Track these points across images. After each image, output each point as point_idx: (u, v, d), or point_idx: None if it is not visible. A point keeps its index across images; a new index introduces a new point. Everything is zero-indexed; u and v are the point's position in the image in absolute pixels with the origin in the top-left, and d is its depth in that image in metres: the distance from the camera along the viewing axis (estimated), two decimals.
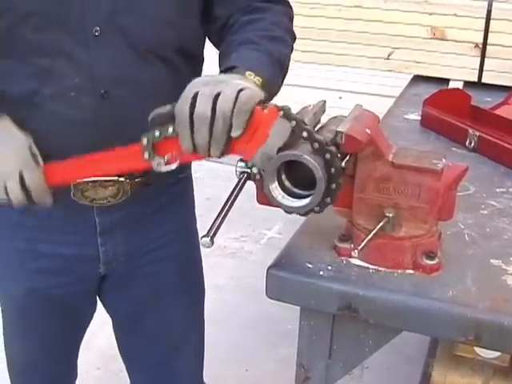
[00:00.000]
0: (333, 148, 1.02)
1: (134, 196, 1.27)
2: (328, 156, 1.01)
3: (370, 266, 1.12)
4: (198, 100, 1.01)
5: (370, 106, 1.16)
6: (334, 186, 1.02)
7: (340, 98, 4.21)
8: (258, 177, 1.05)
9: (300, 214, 1.06)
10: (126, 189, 1.25)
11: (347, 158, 1.10)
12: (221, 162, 1.44)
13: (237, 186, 1.13)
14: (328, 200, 1.03)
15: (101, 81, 1.18)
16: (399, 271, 1.11)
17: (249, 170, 1.10)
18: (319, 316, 1.14)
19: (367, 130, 1.07)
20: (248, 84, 1.04)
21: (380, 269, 1.12)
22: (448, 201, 1.11)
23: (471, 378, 1.85)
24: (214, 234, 1.07)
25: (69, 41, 1.15)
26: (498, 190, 1.46)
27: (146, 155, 1.07)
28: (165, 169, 1.08)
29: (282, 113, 1.01)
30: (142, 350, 1.49)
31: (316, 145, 1.00)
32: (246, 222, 3.55)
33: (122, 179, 1.24)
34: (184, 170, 1.41)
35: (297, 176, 1.04)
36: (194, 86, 1.04)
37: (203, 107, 1.00)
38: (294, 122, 1.01)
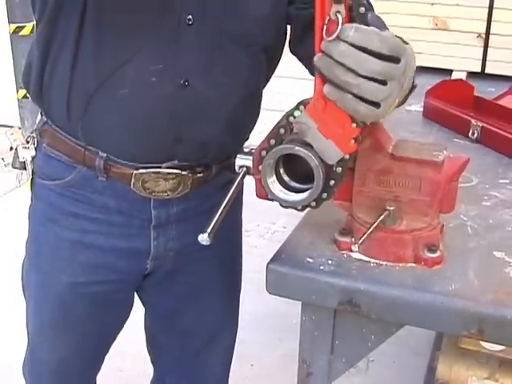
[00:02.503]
0: (342, 177, 1.00)
1: (193, 192, 1.27)
2: (339, 170, 0.99)
3: (371, 260, 1.11)
4: (389, 64, 0.90)
5: None
6: (332, 182, 1.00)
7: None
8: (291, 119, 0.98)
9: (296, 209, 1.04)
10: (187, 183, 1.25)
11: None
12: None
13: (236, 180, 1.12)
14: (324, 195, 1.01)
15: (183, 70, 1.17)
16: (400, 265, 1.10)
17: (248, 164, 1.09)
18: (320, 311, 1.13)
19: None
20: (390, 106, 0.95)
21: (381, 262, 1.10)
22: (449, 193, 1.10)
23: (477, 370, 1.84)
24: (212, 231, 1.06)
25: (161, 26, 1.14)
26: (501, 181, 1.45)
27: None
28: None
29: (347, 156, 0.97)
30: (175, 342, 1.49)
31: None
32: (251, 216, 3.51)
33: (184, 173, 1.23)
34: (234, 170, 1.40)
35: (298, 172, 1.02)
36: (406, 55, 0.93)
37: (378, 71, 0.89)
38: (339, 169, 0.99)
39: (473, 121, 1.70)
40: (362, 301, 1.06)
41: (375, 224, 1.06)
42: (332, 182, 1.00)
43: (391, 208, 1.07)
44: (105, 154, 1.22)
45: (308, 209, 1.05)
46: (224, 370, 1.58)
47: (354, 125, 0.95)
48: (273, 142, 1.01)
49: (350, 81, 0.90)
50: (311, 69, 1.23)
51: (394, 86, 0.93)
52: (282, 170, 1.02)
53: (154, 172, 1.22)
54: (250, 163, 1.09)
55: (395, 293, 1.05)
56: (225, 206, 1.09)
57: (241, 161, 1.10)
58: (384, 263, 1.10)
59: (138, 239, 1.30)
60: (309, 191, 1.00)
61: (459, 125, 1.74)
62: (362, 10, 0.91)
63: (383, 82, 0.91)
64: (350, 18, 0.91)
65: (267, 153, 1.00)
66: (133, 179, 1.22)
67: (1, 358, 2.60)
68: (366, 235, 1.06)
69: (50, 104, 1.24)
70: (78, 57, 1.17)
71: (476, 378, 1.84)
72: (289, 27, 1.31)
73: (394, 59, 0.91)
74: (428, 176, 1.07)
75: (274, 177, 1.02)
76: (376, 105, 0.92)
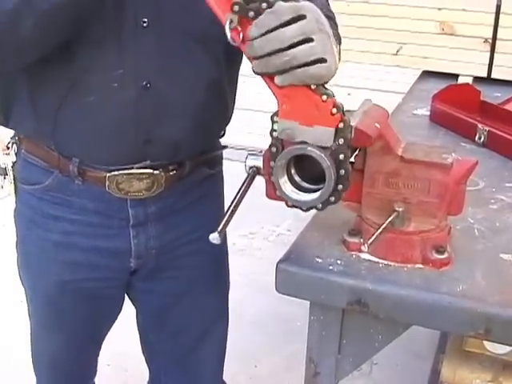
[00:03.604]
0: (348, 151, 1.02)
1: (168, 190, 1.29)
2: (342, 157, 1.01)
3: (380, 261, 1.12)
4: (297, 23, 0.96)
5: (379, 101, 1.16)
6: (341, 186, 1.02)
7: (349, 94, 4.21)
8: (274, 134, 1.02)
9: (317, 209, 1.05)
10: (161, 182, 1.27)
11: (356, 152, 1.10)
12: (230, 159, 1.44)
13: (246, 180, 1.13)
14: (332, 199, 1.03)
15: (144, 72, 1.18)
16: (409, 266, 1.11)
17: (259, 165, 1.11)
18: (329, 311, 1.14)
19: (376, 125, 1.06)
20: (335, 58, 0.99)
21: (389, 263, 1.11)
22: (457, 195, 1.11)
23: (481, 373, 1.85)
24: (223, 230, 1.07)
25: (117, 31, 1.15)
26: (507, 184, 1.46)
27: (236, 8, 0.97)
28: (227, 32, 0.98)
29: (341, 125, 0.99)
30: (167, 341, 1.50)
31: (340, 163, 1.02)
32: (255, 218, 3.55)
33: (156, 172, 1.25)
34: (216, 166, 1.42)
35: (308, 173, 1.03)
36: (304, 8, 0.97)
37: (291, 35, 0.95)
38: (341, 140, 1.00)
39: (479, 125, 1.71)
40: (371, 301, 1.07)
41: (384, 225, 1.07)
42: (340, 187, 1.02)
43: (400, 209, 1.08)
44: (78, 160, 1.24)
45: (314, 210, 1.07)
46: (218, 365, 1.60)
47: (324, 97, 0.98)
48: (272, 163, 1.04)
49: (285, 58, 0.96)
50: None
51: (321, 37, 0.97)
52: (293, 171, 1.04)
53: (126, 173, 1.24)
54: (260, 164, 1.11)
55: (403, 293, 1.06)
56: (235, 206, 1.10)
57: (251, 161, 1.11)
58: (392, 264, 1.11)
59: (118, 239, 1.32)
60: (320, 191, 1.01)
61: (466, 129, 1.75)
62: (264, 5, 0.96)
63: (310, 40, 0.96)
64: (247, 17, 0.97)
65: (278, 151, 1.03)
66: (107, 181, 1.24)
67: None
68: (374, 236, 1.07)
69: (18, 123, 1.28)
70: (38, 72, 1.19)
71: (480, 380, 1.85)
72: None
73: (299, 18, 0.96)
74: (437, 178, 1.08)
75: (286, 177, 1.03)
76: (322, 61, 0.97)
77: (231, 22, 0.97)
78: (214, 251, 1.42)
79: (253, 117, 3.73)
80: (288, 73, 0.97)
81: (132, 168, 1.24)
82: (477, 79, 2.29)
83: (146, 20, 1.16)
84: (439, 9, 2.30)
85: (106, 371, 2.45)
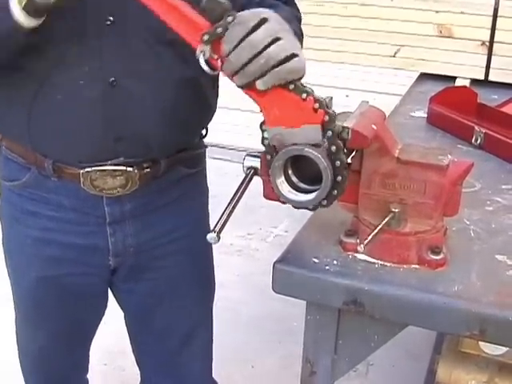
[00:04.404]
0: (339, 141, 1.03)
1: (145, 188, 1.29)
2: (334, 148, 1.02)
3: (376, 261, 1.13)
4: (262, 27, 1.00)
5: (376, 103, 1.17)
6: (339, 177, 1.03)
7: (347, 96, 4.22)
8: (265, 142, 1.06)
9: (308, 209, 1.06)
10: (135, 179, 1.27)
11: (353, 153, 1.11)
12: (229, 160, 1.45)
13: (244, 181, 1.14)
14: (335, 192, 1.04)
15: (110, 70, 1.19)
16: (405, 266, 1.12)
17: (256, 165, 1.11)
18: (325, 311, 1.15)
19: (373, 126, 1.07)
20: (302, 53, 1.04)
21: (386, 264, 1.12)
22: (453, 197, 1.12)
23: (476, 374, 1.85)
24: (221, 230, 1.08)
25: (82, 29, 1.16)
26: (503, 186, 1.47)
27: (206, 37, 1.02)
28: (202, 64, 1.03)
29: (326, 118, 1.01)
30: (153, 343, 1.51)
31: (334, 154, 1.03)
32: (253, 219, 3.56)
33: (130, 169, 1.26)
34: (196, 165, 1.42)
35: (305, 172, 1.04)
36: (264, 12, 1.03)
37: (261, 38, 0.99)
38: (330, 133, 1.02)
39: (476, 127, 1.72)
40: (367, 301, 1.08)
41: (380, 226, 1.08)
42: (339, 178, 1.03)
43: (396, 210, 1.09)
44: (52, 157, 1.26)
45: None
46: (205, 367, 1.60)
47: (304, 95, 1.00)
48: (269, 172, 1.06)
49: (262, 61, 0.99)
50: None
51: (286, 35, 1.02)
52: (290, 171, 1.05)
53: (99, 170, 1.24)
54: (258, 164, 1.12)
55: (399, 293, 1.07)
56: (233, 206, 1.10)
57: (249, 162, 1.12)
58: (388, 264, 1.12)
59: (95, 236, 1.33)
60: (316, 192, 1.02)
61: (462, 131, 1.76)
62: (230, 19, 1.00)
63: (277, 39, 1.00)
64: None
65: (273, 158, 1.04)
66: (81, 178, 1.25)
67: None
68: (370, 237, 1.08)
69: None
70: (9, 75, 1.20)
71: (475, 381, 1.85)
72: None
73: (263, 21, 1.00)
74: (433, 179, 1.09)
75: (283, 177, 1.04)
76: (294, 56, 1.01)
77: (204, 53, 1.01)
78: (194, 252, 1.44)
79: (252, 119, 3.72)
80: (267, 75, 1.00)
81: (105, 165, 1.25)
82: (474, 82, 2.29)
83: (111, 18, 1.16)
84: (437, 11, 2.31)
85: (103, 370, 2.46)
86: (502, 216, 1.32)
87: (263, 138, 1.05)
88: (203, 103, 1.35)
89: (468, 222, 1.28)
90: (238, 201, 1.12)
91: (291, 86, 1.01)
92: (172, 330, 1.49)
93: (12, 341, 1.57)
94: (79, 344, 1.57)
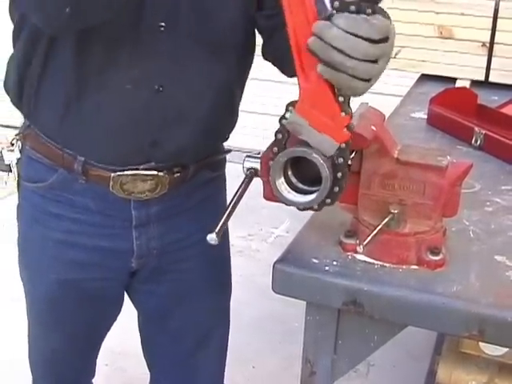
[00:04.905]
0: (348, 155, 1.02)
1: (171, 191, 1.29)
2: (340, 161, 1.02)
3: (375, 262, 1.13)
4: (380, 45, 0.94)
5: (376, 105, 1.17)
6: (337, 188, 1.03)
7: None
8: (283, 121, 1.01)
9: (298, 209, 1.07)
10: (165, 183, 1.27)
11: (353, 154, 1.11)
12: (229, 161, 1.46)
13: (243, 182, 1.14)
14: (328, 201, 1.03)
15: (158, 76, 1.19)
16: (404, 267, 1.12)
17: (256, 166, 1.12)
18: (325, 311, 1.15)
19: (373, 127, 1.08)
20: (376, 80, 1.00)
21: (385, 264, 1.13)
22: (452, 197, 1.12)
23: (476, 375, 1.86)
24: (220, 231, 1.09)
25: (134, 33, 1.16)
26: (503, 187, 1.47)
27: (337, 4, 0.94)
28: None
29: (344, 145, 1.00)
30: (169, 343, 1.50)
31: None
32: (254, 220, 3.56)
33: (161, 174, 1.26)
34: (219, 169, 1.43)
35: (301, 169, 1.05)
36: (392, 32, 0.96)
37: (371, 54, 0.93)
38: (341, 160, 1.01)
39: (476, 128, 1.73)
40: (366, 301, 1.09)
41: (379, 226, 1.09)
42: (336, 189, 1.03)
43: (395, 211, 1.10)
44: (83, 158, 1.25)
45: (311, 211, 1.08)
46: (219, 369, 1.60)
47: (343, 114, 0.98)
48: (276, 149, 1.04)
49: (346, 63, 0.93)
50: (286, 71, 1.29)
51: (385, 61, 0.97)
52: (290, 172, 1.05)
53: (131, 174, 1.24)
54: (257, 165, 1.12)
55: (398, 294, 1.08)
56: (233, 207, 1.11)
57: (249, 163, 1.12)
58: (388, 265, 1.13)
59: (121, 239, 1.33)
60: (315, 194, 1.02)
61: (462, 132, 1.77)
62: (369, 10, 0.94)
63: (375, 61, 0.95)
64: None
65: (275, 158, 1.04)
66: (111, 181, 1.25)
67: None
68: (370, 237, 1.09)
69: (29, 110, 1.28)
70: (54, 67, 1.20)
71: (476, 382, 1.86)
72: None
73: (383, 40, 0.95)
74: (432, 180, 1.09)
75: (283, 178, 1.05)
76: (368, 80, 0.97)
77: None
78: (215, 254, 1.44)
79: (256, 120, 3.76)
80: (335, 71, 0.95)
81: (137, 169, 1.25)
82: (474, 83, 2.30)
83: (163, 24, 1.16)
84: (437, 13, 2.31)
85: (105, 371, 2.46)
86: (501, 217, 1.32)
87: (283, 117, 1.02)
88: (233, 110, 1.36)
89: (467, 223, 1.28)
90: (237, 202, 1.12)
91: (341, 98, 0.98)
92: (188, 330, 1.49)
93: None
94: (91, 347, 1.56)
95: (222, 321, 1.55)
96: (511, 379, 1.82)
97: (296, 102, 1.01)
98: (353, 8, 0.93)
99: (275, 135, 1.04)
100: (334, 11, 0.94)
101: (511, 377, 1.83)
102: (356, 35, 0.93)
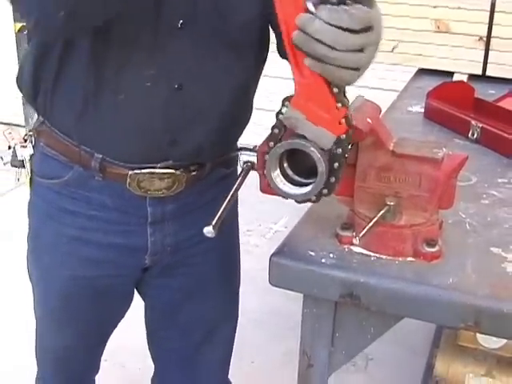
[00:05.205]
0: (346, 147, 1.03)
1: (187, 189, 1.29)
2: (339, 151, 1.02)
3: (372, 254, 1.14)
4: (364, 34, 0.95)
5: (373, 99, 1.17)
6: (333, 179, 1.03)
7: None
8: (280, 116, 1.01)
9: (297, 202, 1.07)
10: (182, 182, 1.27)
11: (349, 147, 1.11)
12: None
13: (240, 175, 1.15)
14: (325, 192, 1.04)
15: (177, 74, 1.19)
16: (400, 259, 1.13)
17: (253, 160, 1.12)
18: (322, 304, 1.15)
19: (368, 120, 1.08)
20: (367, 68, 1.01)
21: (381, 256, 1.13)
22: (448, 189, 1.13)
23: (474, 367, 1.87)
24: (217, 223, 1.09)
25: (153, 31, 1.15)
26: (499, 180, 1.48)
27: None
28: None
29: (343, 136, 1.00)
30: (177, 337, 1.50)
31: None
32: (252, 215, 3.56)
33: (178, 172, 1.26)
34: (232, 166, 1.42)
35: (296, 161, 1.05)
36: (376, 20, 0.99)
37: (354, 44, 0.94)
38: (339, 150, 1.00)
39: (473, 122, 1.73)
40: (362, 293, 1.09)
41: (375, 219, 1.09)
42: (333, 179, 1.03)
43: (391, 203, 1.10)
44: (100, 156, 1.24)
45: (310, 203, 1.08)
46: (224, 363, 1.60)
47: (340, 104, 0.99)
48: (271, 144, 1.04)
49: (329, 55, 0.94)
50: None
51: (372, 49, 0.98)
52: (285, 164, 1.05)
53: (149, 172, 1.24)
54: (254, 159, 1.12)
55: (394, 286, 1.08)
56: (229, 200, 1.11)
57: (246, 157, 1.13)
58: (384, 257, 1.13)
59: (136, 236, 1.32)
60: (311, 186, 1.03)
61: (459, 125, 1.77)
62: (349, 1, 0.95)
63: (361, 50, 0.96)
64: None
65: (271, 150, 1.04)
66: (128, 179, 1.25)
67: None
68: (366, 229, 1.09)
69: (45, 107, 1.27)
70: (72, 64, 1.19)
71: (473, 375, 1.86)
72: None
73: (365, 30, 0.96)
74: (427, 172, 1.10)
75: (278, 170, 1.05)
76: (356, 69, 0.97)
77: None
78: (226, 249, 1.46)
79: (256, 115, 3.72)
80: (322, 64, 0.95)
81: (154, 167, 1.25)
82: (472, 77, 2.30)
83: (181, 21, 1.16)
84: (434, 7, 2.32)
85: (104, 366, 2.46)
86: (497, 209, 1.33)
87: (279, 112, 1.02)
88: (248, 107, 1.36)
89: (464, 215, 1.28)
90: (234, 195, 1.13)
91: (335, 90, 0.98)
92: (196, 326, 1.49)
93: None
94: (100, 344, 1.56)
95: (230, 314, 1.56)
96: (509, 371, 1.83)
97: (292, 96, 1.01)
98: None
99: (272, 130, 1.05)
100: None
101: (509, 369, 1.84)
102: (338, 27, 0.93)
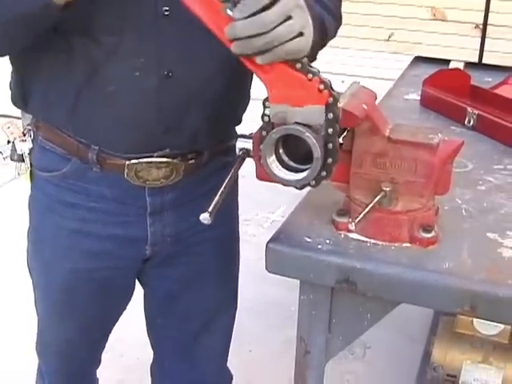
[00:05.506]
0: (336, 125, 1.03)
1: (186, 178, 1.29)
2: (331, 131, 1.02)
3: (368, 240, 1.14)
4: (276, 5, 0.96)
5: (370, 87, 1.17)
6: (330, 160, 1.04)
7: (342, 81, 4.22)
8: (265, 119, 1.04)
9: (296, 188, 1.07)
10: (179, 170, 1.28)
11: (345, 133, 1.11)
12: None
13: (236, 162, 1.15)
14: (324, 174, 1.04)
15: (166, 61, 1.18)
16: (396, 244, 1.13)
17: (248, 147, 1.12)
18: (318, 290, 1.16)
19: (364, 106, 1.08)
20: (310, 29, 1.02)
21: (377, 242, 1.13)
22: (444, 175, 1.13)
23: (471, 354, 1.88)
24: (214, 210, 1.09)
25: (138, 19, 1.15)
26: (495, 166, 1.48)
27: None
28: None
29: (330, 100, 1.00)
30: (175, 325, 1.51)
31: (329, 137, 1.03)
32: (250, 205, 3.54)
33: (175, 161, 1.26)
34: (231, 154, 1.42)
35: (292, 147, 1.05)
36: None
37: (273, 18, 0.96)
38: (331, 115, 1.01)
39: (469, 109, 1.73)
40: (359, 279, 1.09)
41: (371, 204, 1.09)
42: (330, 160, 1.03)
43: (387, 189, 1.10)
44: (97, 147, 1.24)
45: (307, 190, 1.08)
46: (223, 351, 1.61)
47: (310, 75, 1.00)
48: (264, 133, 1.05)
49: (267, 40, 0.97)
50: None
51: (299, 12, 1.00)
52: (281, 151, 1.05)
53: (146, 162, 1.24)
54: (250, 146, 1.12)
55: (391, 271, 1.08)
56: (225, 187, 1.11)
57: (241, 143, 1.13)
58: (380, 243, 1.13)
59: (135, 226, 1.33)
60: (307, 171, 1.03)
61: (456, 113, 1.77)
62: None
63: (287, 19, 0.98)
64: None
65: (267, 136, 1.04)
66: (126, 169, 1.25)
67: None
68: (362, 215, 1.09)
69: (38, 108, 1.28)
70: (57, 58, 1.19)
71: (470, 361, 1.88)
72: None
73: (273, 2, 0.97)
74: (423, 158, 1.10)
75: (274, 156, 1.05)
76: (300, 35, 0.99)
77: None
78: (225, 240, 1.45)
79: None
80: (268, 52, 0.98)
81: (152, 156, 1.25)
82: (468, 64, 2.30)
83: (167, 8, 1.15)
84: None
85: (103, 356, 2.47)
86: (493, 195, 1.33)
87: (263, 115, 1.04)
88: (245, 93, 1.36)
89: (460, 201, 1.29)
90: (230, 182, 1.13)
91: (298, 65, 1.00)
92: (195, 314, 1.49)
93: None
94: (102, 337, 1.57)
95: (229, 302, 1.56)
96: (505, 358, 1.84)
97: (267, 96, 1.03)
98: None
99: (260, 133, 1.06)
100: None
101: (505, 355, 1.84)
102: (253, 14, 0.96)
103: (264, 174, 1.10)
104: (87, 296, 1.40)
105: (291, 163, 1.06)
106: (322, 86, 1.00)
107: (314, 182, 1.05)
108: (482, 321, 1.85)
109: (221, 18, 0.99)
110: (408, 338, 2.66)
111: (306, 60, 1.01)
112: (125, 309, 1.52)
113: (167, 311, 1.51)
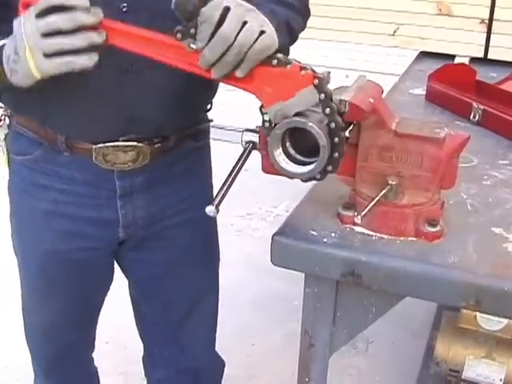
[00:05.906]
0: (339, 118, 1.03)
1: (154, 162, 1.32)
2: (333, 125, 1.03)
3: (373, 234, 1.14)
4: (228, 17, 1.01)
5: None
6: (336, 154, 1.04)
7: (347, 76, 4.22)
8: (266, 124, 1.07)
9: (302, 180, 1.08)
10: (146, 154, 1.30)
11: (351, 127, 1.11)
12: (229, 141, 1.46)
13: (242, 155, 1.15)
14: (330, 168, 1.05)
15: (124, 57, 1.17)
16: (402, 238, 1.13)
17: (255, 140, 1.12)
18: (323, 283, 1.16)
19: (370, 100, 1.08)
20: (270, 27, 1.05)
21: (383, 236, 1.13)
22: (450, 169, 1.13)
23: (474, 349, 1.88)
24: (219, 203, 1.09)
25: None
26: (501, 161, 1.48)
27: (179, 36, 1.06)
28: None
29: (316, 81, 1.02)
30: (159, 312, 1.54)
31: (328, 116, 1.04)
32: (253, 199, 3.57)
33: (141, 145, 1.29)
34: (202, 138, 1.45)
35: (299, 141, 1.05)
36: (224, 0, 1.03)
37: (231, 29, 1.01)
38: (323, 95, 1.02)
39: (474, 104, 1.73)
40: (364, 272, 1.09)
41: (377, 198, 1.09)
42: (336, 155, 1.03)
43: (393, 183, 1.10)
44: (65, 134, 1.28)
45: (313, 183, 1.08)
46: (209, 337, 1.64)
47: (289, 66, 1.03)
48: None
49: (236, 51, 1.02)
50: None
51: (250, 15, 1.03)
52: (288, 144, 1.06)
53: (112, 146, 1.28)
54: (256, 139, 1.13)
55: (396, 265, 1.08)
56: (231, 180, 1.11)
57: (247, 137, 1.13)
58: (386, 237, 1.13)
59: (106, 209, 1.36)
60: (314, 164, 1.03)
61: (461, 108, 1.77)
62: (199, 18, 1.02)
63: (244, 24, 1.02)
64: None
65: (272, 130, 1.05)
66: (94, 153, 1.28)
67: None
68: (367, 208, 1.09)
69: (8, 101, 1.33)
70: None
71: (473, 356, 1.88)
72: None
73: (226, 11, 1.01)
74: (429, 152, 1.10)
75: (281, 149, 1.05)
76: (262, 33, 1.03)
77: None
78: (201, 224, 1.46)
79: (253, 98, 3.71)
80: (243, 62, 1.02)
81: (117, 140, 1.28)
82: (473, 60, 2.30)
83: (125, 5, 1.18)
84: None
85: (105, 349, 2.48)
86: (498, 190, 1.33)
87: (264, 121, 1.07)
88: (208, 83, 1.35)
89: (465, 196, 1.29)
90: (236, 174, 1.13)
91: (274, 62, 1.03)
92: (178, 299, 1.52)
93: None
94: (86, 319, 1.59)
95: (211, 289, 1.58)
96: (509, 353, 1.84)
97: (261, 104, 1.06)
98: (192, 30, 1.03)
99: (266, 138, 1.08)
100: None
101: (509, 351, 1.85)
102: (212, 35, 1.01)
103: (270, 167, 1.10)
104: (65, 277, 1.43)
105: (298, 156, 1.06)
106: (302, 71, 1.02)
107: (319, 175, 1.05)
108: (486, 316, 1.85)
109: (190, 56, 1.04)
110: (411, 333, 2.66)
111: (279, 55, 1.04)
112: (107, 291, 1.55)
113: (150, 297, 1.53)
